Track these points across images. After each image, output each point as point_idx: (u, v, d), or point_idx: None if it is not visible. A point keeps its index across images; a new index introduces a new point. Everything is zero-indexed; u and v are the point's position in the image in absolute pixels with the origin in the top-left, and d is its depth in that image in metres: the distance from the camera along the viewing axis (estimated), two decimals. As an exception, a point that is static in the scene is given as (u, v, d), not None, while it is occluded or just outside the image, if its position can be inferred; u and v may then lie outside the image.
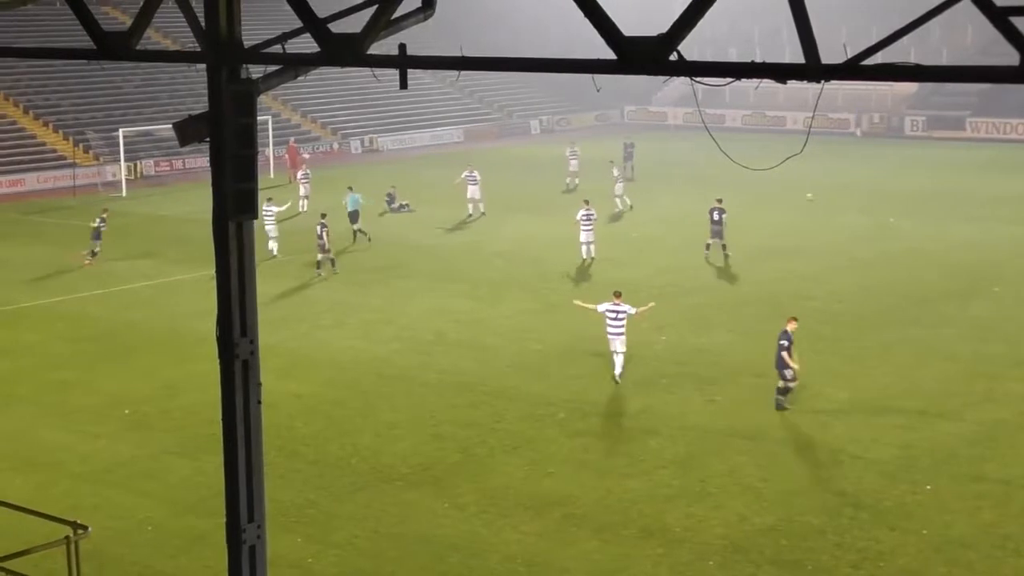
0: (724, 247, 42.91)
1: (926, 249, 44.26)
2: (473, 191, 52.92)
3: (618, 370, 28.96)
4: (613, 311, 29.00)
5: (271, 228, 44.80)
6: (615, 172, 54.88)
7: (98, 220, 44.97)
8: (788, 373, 26.55)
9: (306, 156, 68.03)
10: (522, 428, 25.99)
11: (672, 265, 41.94)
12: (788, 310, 35.51)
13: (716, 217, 43.14)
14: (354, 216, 47.76)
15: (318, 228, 41.84)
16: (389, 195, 54.84)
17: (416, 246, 46.21)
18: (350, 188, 49.70)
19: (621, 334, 28.89)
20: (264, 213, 44.18)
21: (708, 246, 43.16)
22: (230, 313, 12.22)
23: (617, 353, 28.99)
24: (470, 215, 52.32)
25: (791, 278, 39.89)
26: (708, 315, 35.26)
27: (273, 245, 44.67)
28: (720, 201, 43.59)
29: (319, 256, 41.76)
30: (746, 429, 25.64)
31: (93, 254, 44.03)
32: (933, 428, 25.64)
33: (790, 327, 26.92)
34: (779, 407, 26.71)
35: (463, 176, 53.57)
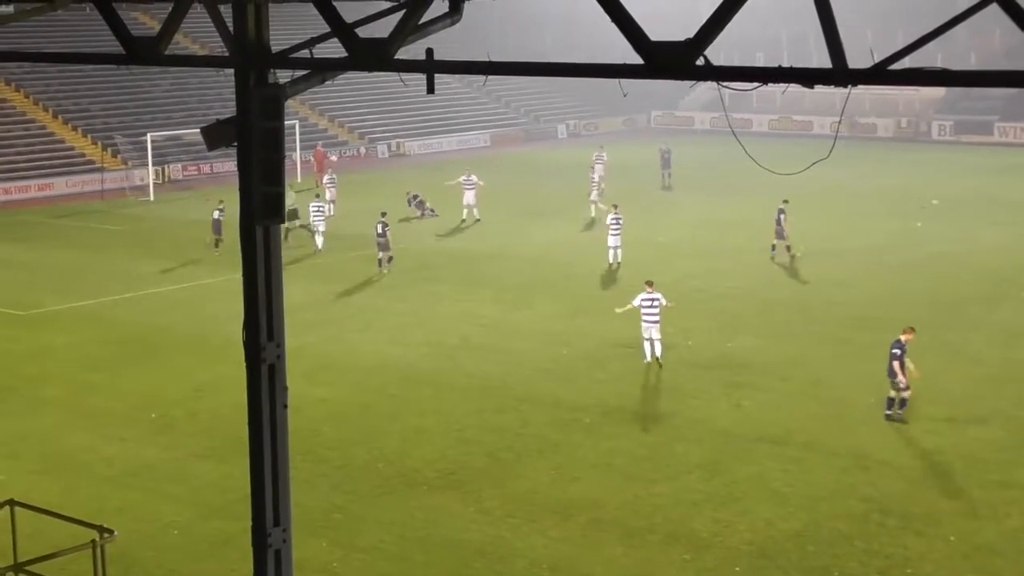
0: (788, 248, 43.12)
1: (954, 254, 44.04)
2: (469, 196, 52.17)
3: (646, 352, 30.45)
4: (648, 299, 30.49)
5: (319, 224, 46.62)
6: (594, 176, 54.26)
7: (216, 212, 46.78)
8: (900, 383, 26.11)
9: (333, 159, 68.25)
10: (548, 433, 25.97)
11: (699, 269, 41.85)
12: (816, 314, 35.53)
13: (780, 219, 43.27)
14: (293, 214, 47.97)
15: (379, 227, 42.77)
16: (413, 196, 54.69)
17: (442, 250, 46.25)
18: (289, 186, 50.06)
19: (657, 322, 30.37)
20: (312, 210, 46.76)
21: (774, 247, 43.33)
22: (257, 317, 12.26)
23: (654, 340, 30.37)
24: (463, 221, 51.73)
25: (819, 282, 39.76)
26: (735, 319, 35.18)
27: (320, 240, 46.48)
28: (786, 202, 43.57)
29: (379, 254, 42.59)
30: (773, 434, 25.56)
31: (217, 244, 45.78)
32: (961, 433, 25.50)
33: (904, 337, 26.36)
34: (889, 418, 26.07)
35: (460, 179, 53.02)
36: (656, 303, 30.47)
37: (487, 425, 26.50)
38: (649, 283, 31.13)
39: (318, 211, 47.24)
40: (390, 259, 42.62)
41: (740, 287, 39.33)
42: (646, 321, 30.52)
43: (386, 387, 29.42)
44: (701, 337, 33.22)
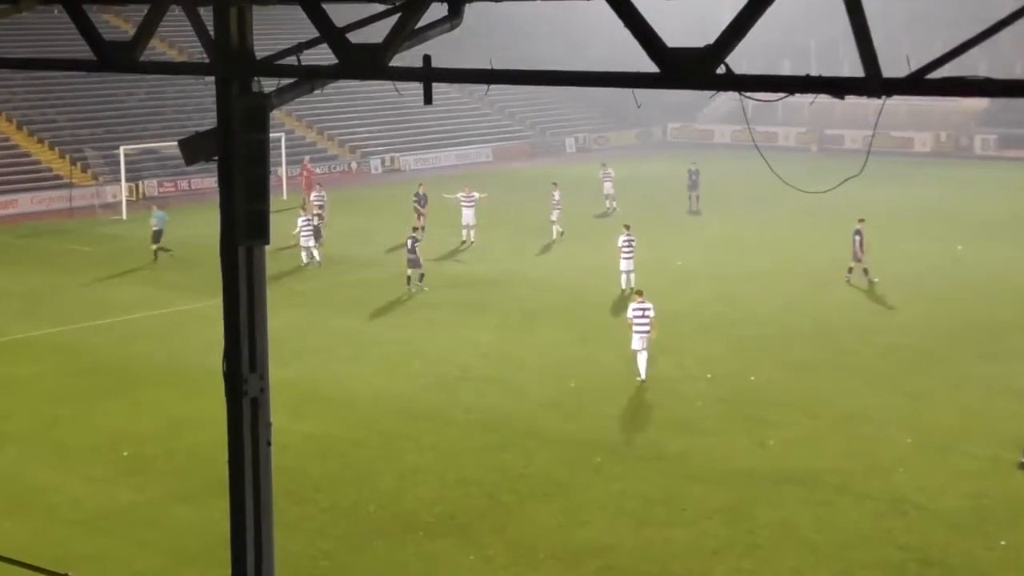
0: (866, 271, 43.26)
1: (997, 278, 44.02)
2: (468, 215, 52.21)
3: (643, 368, 31.74)
4: (640, 309, 31.91)
5: (307, 238, 47.85)
6: (555, 196, 54.29)
7: (316, 219, 49.09)
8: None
9: (316, 171, 68.35)
10: (555, 472, 25.92)
11: (719, 295, 41.85)
12: (846, 344, 35.49)
13: (857, 239, 43.34)
14: (158, 235, 49.55)
15: (408, 242, 43.48)
16: (421, 196, 54.89)
17: (440, 273, 46.25)
18: (156, 205, 52.58)
19: (647, 333, 31.74)
20: (300, 224, 47.93)
21: (851, 270, 43.40)
22: (238, 346, 12.27)
23: (641, 351, 31.71)
24: (463, 242, 51.68)
25: (850, 309, 39.75)
26: (758, 349, 35.15)
27: (305, 255, 47.75)
28: (861, 221, 43.65)
29: (409, 271, 43.26)
30: (799, 475, 25.50)
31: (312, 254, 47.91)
32: (1007, 475, 25.43)
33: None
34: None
35: (457, 196, 53.01)
36: (648, 313, 31.86)
37: (489, 464, 26.45)
38: (639, 292, 33.18)
39: (307, 225, 48.03)
40: (421, 276, 43.45)
41: (764, 314, 39.32)
42: (637, 333, 31.77)
43: (379, 422, 29.38)
44: (721, 368, 33.19)
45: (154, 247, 49.53)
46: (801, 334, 36.78)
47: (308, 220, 48.54)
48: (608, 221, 56.93)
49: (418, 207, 54.36)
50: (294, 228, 48.41)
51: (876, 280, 43.07)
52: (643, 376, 31.77)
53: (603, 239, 48.24)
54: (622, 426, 28.85)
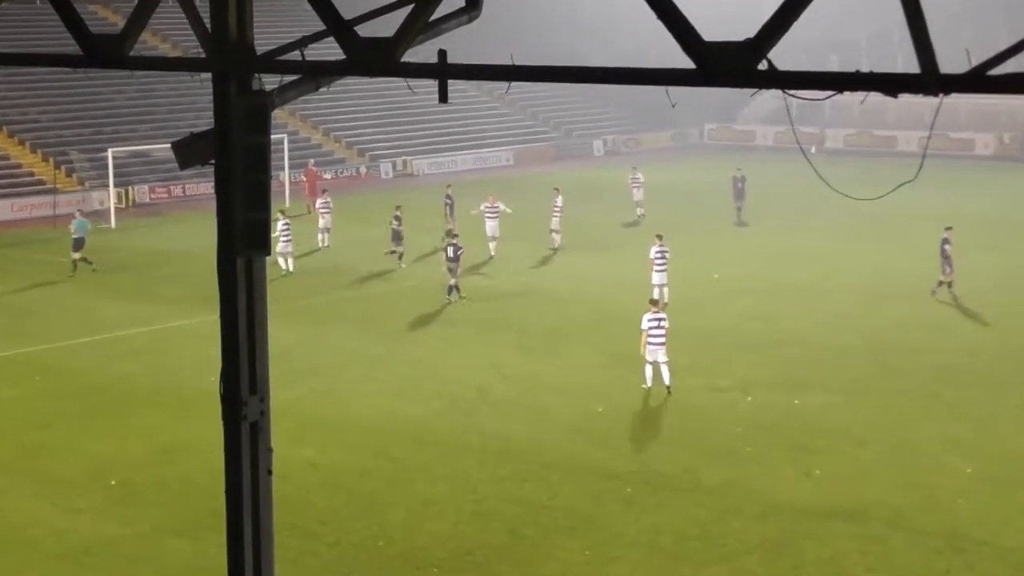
0: (950, 285, 43.37)
1: (1066, 294, 43.92)
2: (492, 227, 52.16)
3: (667, 377, 32.65)
4: (656, 319, 32.85)
5: (286, 244, 48.31)
6: (557, 202, 54.22)
7: (394, 221, 50.35)
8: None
9: (325, 176, 68.54)
10: (581, 505, 25.89)
11: (761, 311, 41.78)
12: (899, 365, 35.38)
13: (946, 249, 43.25)
14: (79, 243, 49.83)
15: (449, 249, 44.04)
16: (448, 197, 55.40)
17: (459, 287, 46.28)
18: (79, 211, 53.24)
19: (663, 344, 32.75)
20: (280, 228, 48.09)
21: (940, 283, 43.43)
22: (237, 366, 12.29)
23: (660, 364, 32.70)
24: (492, 257, 51.61)
25: (904, 327, 39.63)
26: (804, 371, 35.07)
27: (282, 262, 48.10)
28: (949, 229, 43.66)
29: (452, 280, 43.92)
30: (848, 508, 25.42)
31: (400, 256, 49.75)
32: (1075, 509, 25.33)
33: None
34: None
35: (481, 208, 52.83)
36: (664, 324, 32.83)
37: (509, 495, 26.43)
38: (654, 302, 34.27)
39: (286, 230, 48.46)
40: (457, 287, 44.17)
41: (810, 332, 39.23)
42: (651, 343, 32.70)
43: (389, 449, 29.39)
44: (763, 392, 33.13)
45: (74, 256, 49.60)
46: (851, 354, 36.68)
47: (287, 225, 48.80)
48: (637, 230, 56.97)
49: (448, 210, 54.92)
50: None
51: (958, 294, 42.92)
52: (662, 384, 32.84)
53: (633, 250, 48.23)
54: (655, 454, 28.79)
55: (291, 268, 48.66)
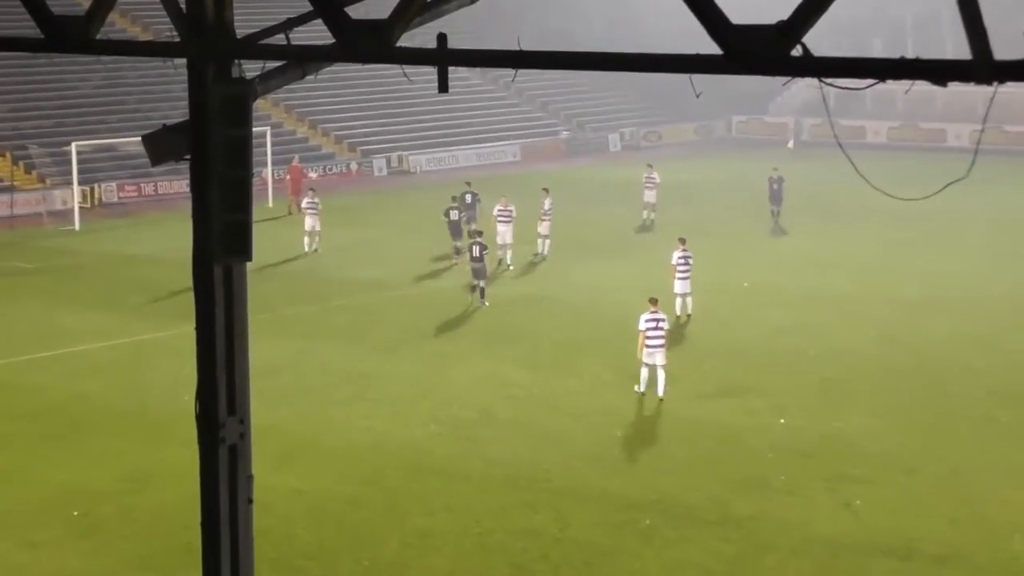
0: None
1: None
2: (504, 232, 51.93)
3: (663, 383, 33.79)
4: (653, 320, 34.02)
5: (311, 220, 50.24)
6: (545, 204, 54.00)
7: (453, 212, 50.92)
8: None
9: (310, 174, 68.56)
10: (596, 538, 25.89)
11: (796, 324, 41.76)
12: (951, 384, 35.35)
13: None
14: None
15: (475, 248, 44.70)
16: (471, 195, 55.46)
17: (460, 296, 46.31)
18: None
19: (662, 346, 34.00)
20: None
21: None
22: (214, 384, 12.30)
23: (659, 367, 33.89)
24: (502, 264, 51.34)
25: (955, 341, 39.59)
26: (844, 391, 35.05)
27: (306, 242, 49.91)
28: None
29: (474, 281, 44.68)
30: (894, 544, 25.41)
31: (458, 251, 50.78)
32: None
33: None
34: None
35: (494, 212, 52.60)
36: (662, 324, 34.19)
37: (515, 527, 26.43)
38: (653, 300, 34.64)
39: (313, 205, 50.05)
40: (482, 291, 44.93)
41: (850, 348, 39.21)
42: (649, 346, 33.91)
43: (382, 476, 29.39)
44: (798, 413, 33.11)
45: None
46: (896, 372, 36.65)
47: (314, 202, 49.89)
48: (648, 236, 56.98)
49: (470, 211, 55.09)
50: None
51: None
52: (660, 393, 33.86)
53: (654, 255, 48.24)
54: (677, 482, 28.77)
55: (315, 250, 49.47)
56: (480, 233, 46.50)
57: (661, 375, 33.89)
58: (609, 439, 31.65)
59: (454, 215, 52.31)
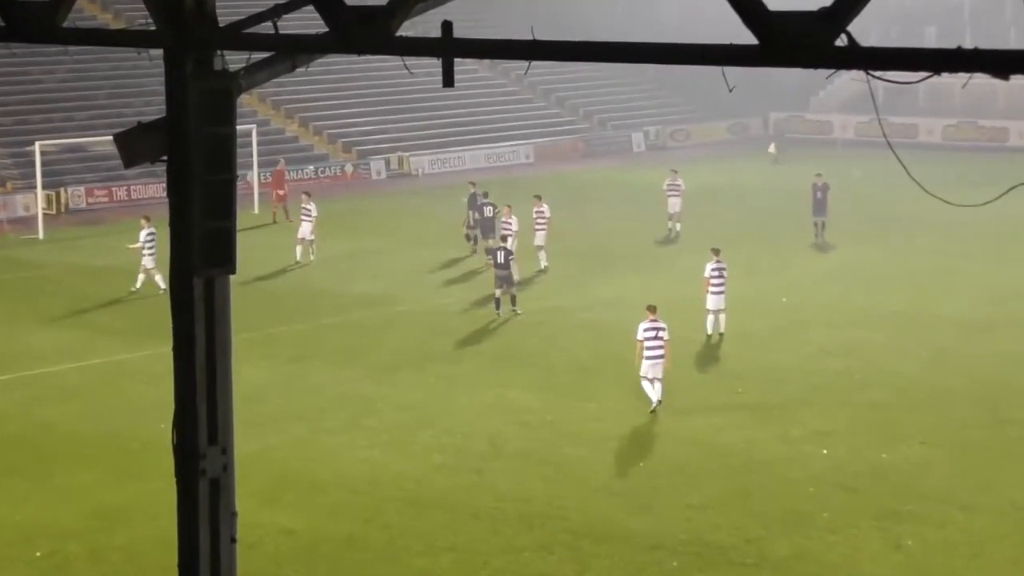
0: None
1: None
2: (539, 237, 52.91)
3: (657, 398, 34.88)
4: (653, 329, 35.06)
5: (151, 257, 48.80)
6: (542, 212, 53.84)
7: (487, 208, 52.89)
8: None
9: (306, 177, 68.60)
10: (617, 583, 25.87)
11: (841, 343, 41.71)
12: (1013, 412, 35.29)
13: None
14: None
15: (500, 254, 45.43)
16: (482, 195, 55.70)
17: (465, 312, 46.32)
18: None
19: (661, 358, 35.01)
20: (144, 237, 49.03)
21: None
22: (194, 411, 12.32)
23: (656, 380, 34.93)
24: (541, 270, 52.19)
25: (1017, 363, 39.51)
26: (895, 418, 35.00)
27: (140, 279, 49.00)
28: None
29: (497, 291, 45.34)
30: (950, 588, 25.38)
31: (474, 240, 52.41)
32: None
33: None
34: None
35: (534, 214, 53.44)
36: (662, 334, 35.13)
37: (528, 570, 26.42)
38: (652, 308, 35.66)
39: (151, 240, 48.75)
40: (513, 299, 45.45)
41: (901, 371, 39.16)
42: (649, 357, 34.94)
43: (380, 513, 29.38)
44: (841, 443, 33.06)
45: None
46: (953, 398, 36.58)
47: (152, 234, 48.80)
48: (672, 249, 56.78)
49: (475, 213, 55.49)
50: (133, 241, 49.24)
51: None
52: (655, 401, 35.01)
53: (679, 269, 48.26)
54: (708, 520, 28.73)
55: (161, 285, 47.62)
56: (505, 239, 47.15)
57: (659, 388, 34.94)
58: (632, 471, 31.63)
59: (488, 211, 53.24)
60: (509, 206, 54.02)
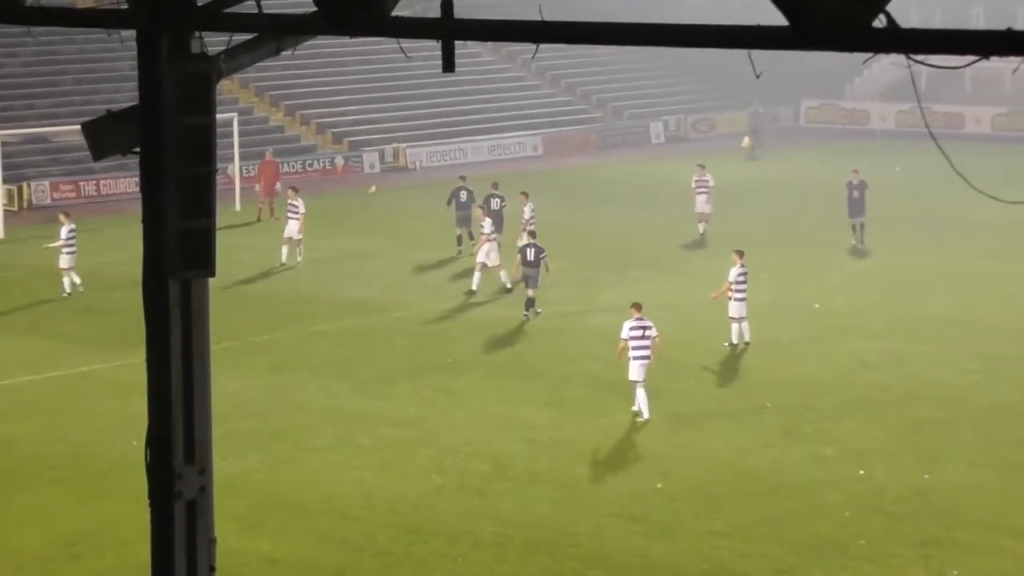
0: None
1: None
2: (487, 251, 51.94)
3: (642, 406, 35.93)
4: (639, 328, 36.30)
5: (70, 257, 49.62)
6: (525, 212, 53.51)
7: (494, 200, 54.11)
8: None
9: (293, 170, 68.50)
10: (634, 617, 25.88)
11: (880, 355, 41.66)
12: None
13: None
14: None
15: (529, 251, 46.02)
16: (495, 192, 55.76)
17: (468, 319, 46.32)
18: None
19: (647, 358, 36.12)
20: (65, 235, 49.84)
21: None
22: (169, 427, 12.33)
23: (639, 384, 36.02)
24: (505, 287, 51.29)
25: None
26: (939, 436, 34.96)
27: (67, 282, 49.63)
28: None
29: (529, 291, 46.05)
30: (999, 624, 25.37)
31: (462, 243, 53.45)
32: None
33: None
34: None
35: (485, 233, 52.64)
36: (649, 333, 36.29)
37: (535, 604, 26.44)
38: (637, 305, 36.83)
39: (71, 238, 49.77)
40: (531, 301, 46.66)
41: (947, 383, 39.11)
42: (635, 358, 36.09)
43: (373, 539, 29.38)
44: (881, 464, 33.05)
45: None
46: (1004, 414, 36.56)
47: (73, 232, 49.55)
48: (701, 254, 56.26)
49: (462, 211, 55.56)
50: (52, 240, 49.80)
51: None
52: (646, 415, 35.99)
53: (702, 274, 48.27)
54: (734, 547, 28.74)
55: (78, 283, 49.75)
56: (534, 234, 47.46)
57: (640, 392, 35.91)
58: (649, 493, 31.61)
59: (496, 203, 53.66)
60: (525, 193, 54.28)
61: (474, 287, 49.53)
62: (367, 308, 48.15)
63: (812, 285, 50.39)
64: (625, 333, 36.34)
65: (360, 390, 39.54)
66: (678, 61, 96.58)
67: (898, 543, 28.84)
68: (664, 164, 79.86)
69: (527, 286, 46.47)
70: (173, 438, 12.33)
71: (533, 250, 46.31)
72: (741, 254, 43.11)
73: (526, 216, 53.40)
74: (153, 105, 12.10)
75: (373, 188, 68.50)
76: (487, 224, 51.39)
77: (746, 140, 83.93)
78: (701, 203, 60.32)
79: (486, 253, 50.24)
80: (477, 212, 53.21)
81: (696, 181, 60.89)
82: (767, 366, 40.54)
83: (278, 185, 64.43)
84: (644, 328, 36.28)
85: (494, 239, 50.68)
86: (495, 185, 56.55)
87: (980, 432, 35.30)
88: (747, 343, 42.32)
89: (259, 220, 62.51)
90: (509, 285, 49.74)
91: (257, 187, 64.84)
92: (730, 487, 31.83)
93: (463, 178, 58.47)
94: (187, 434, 12.40)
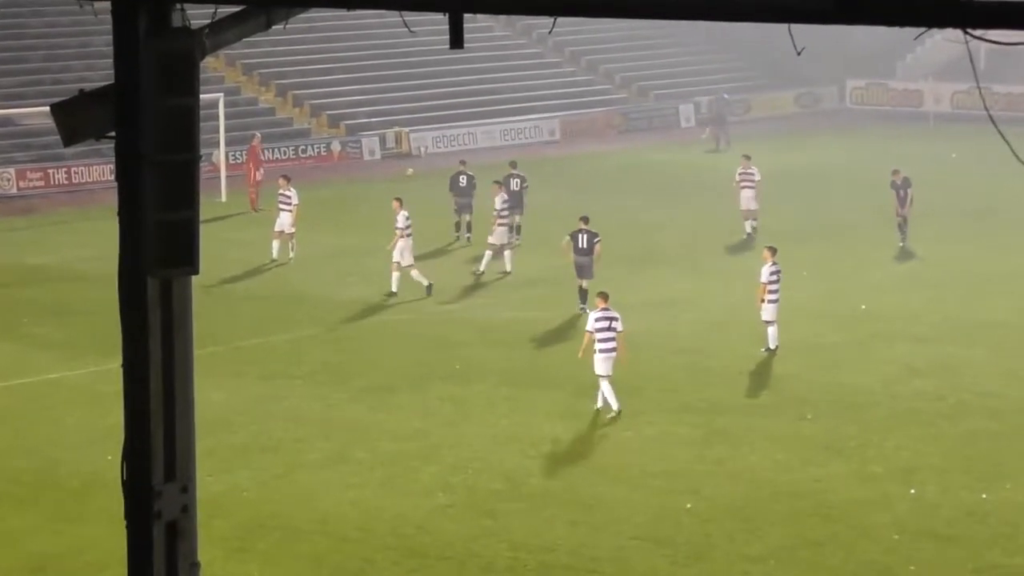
0: None
1: None
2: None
3: (609, 400, 37.07)
4: (605, 319, 37.45)
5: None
6: (497, 202, 53.44)
7: (514, 181, 55.32)
8: None
9: (285, 157, 68.60)
10: (660, 651, 25.92)
11: (931, 362, 41.63)
12: None
13: None
14: None
15: (581, 238, 46.84)
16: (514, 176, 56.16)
17: (475, 320, 46.34)
18: None
19: (614, 351, 37.29)
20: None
21: None
22: (147, 441, 12.33)
23: (604, 378, 37.25)
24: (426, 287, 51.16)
25: None
26: (996, 452, 34.96)
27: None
28: None
29: (581, 282, 46.74)
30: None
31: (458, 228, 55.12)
32: None
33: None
34: None
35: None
36: (615, 325, 37.47)
37: (551, 636, 26.47)
38: (603, 295, 38.28)
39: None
40: (584, 294, 46.97)
41: (1005, 394, 39.10)
42: (601, 351, 37.28)
43: (373, 565, 29.42)
44: (934, 482, 33.05)
45: None
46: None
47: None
48: (748, 256, 55.83)
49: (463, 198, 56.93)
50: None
51: None
52: (616, 407, 37.08)
53: (738, 272, 48.26)
54: (772, 575, 28.76)
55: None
56: (586, 219, 47.73)
57: (605, 386, 37.18)
58: (677, 514, 31.62)
59: (515, 184, 54.97)
60: (499, 183, 54.80)
61: (394, 288, 49.71)
62: (366, 309, 48.19)
63: (857, 284, 50.35)
64: (591, 325, 37.52)
65: (358, 400, 39.58)
66: (711, 37, 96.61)
67: (952, 568, 28.85)
68: (697, 152, 79.86)
69: (579, 276, 46.97)
70: (152, 452, 12.33)
71: (585, 236, 46.64)
72: (773, 251, 42.95)
73: (497, 207, 53.18)
74: (130, 85, 12.09)
75: (410, 171, 69.20)
76: (499, 201, 52.21)
77: (707, 132, 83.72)
78: (747, 199, 59.22)
79: (400, 252, 50.16)
80: (493, 188, 53.50)
81: (740, 174, 59.93)
82: (807, 374, 40.50)
83: (259, 173, 64.38)
84: (611, 320, 37.38)
85: (408, 235, 50.48)
86: (513, 164, 57.09)
87: (1040, 446, 35.35)
88: (777, 347, 42.13)
89: (254, 211, 62.47)
90: (426, 283, 49.62)
91: (253, 175, 64.87)
92: (767, 507, 31.83)
93: (463, 162, 59.05)
94: (168, 448, 12.40)
